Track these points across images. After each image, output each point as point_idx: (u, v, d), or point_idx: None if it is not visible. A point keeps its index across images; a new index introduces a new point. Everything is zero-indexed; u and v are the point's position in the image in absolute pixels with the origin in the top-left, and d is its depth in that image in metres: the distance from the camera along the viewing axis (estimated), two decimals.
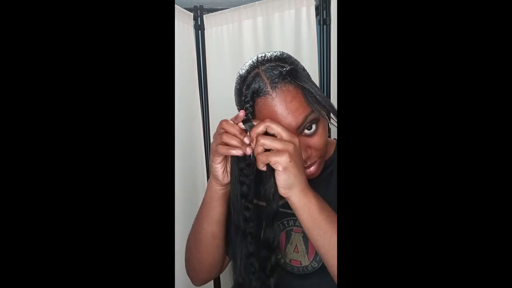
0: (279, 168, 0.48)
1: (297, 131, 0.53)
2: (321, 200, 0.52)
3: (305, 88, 0.52)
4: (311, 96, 0.52)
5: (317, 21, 1.53)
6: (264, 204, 0.55)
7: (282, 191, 0.50)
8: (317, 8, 1.53)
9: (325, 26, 1.52)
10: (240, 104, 0.57)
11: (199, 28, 1.57)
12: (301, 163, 0.51)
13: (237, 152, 0.51)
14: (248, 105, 0.53)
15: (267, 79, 0.53)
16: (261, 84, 0.53)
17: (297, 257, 0.64)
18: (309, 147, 0.55)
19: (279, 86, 0.52)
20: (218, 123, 0.55)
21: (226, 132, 0.52)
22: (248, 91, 0.53)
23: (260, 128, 0.50)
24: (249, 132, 0.52)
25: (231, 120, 0.54)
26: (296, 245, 0.64)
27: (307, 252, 0.63)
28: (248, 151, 0.51)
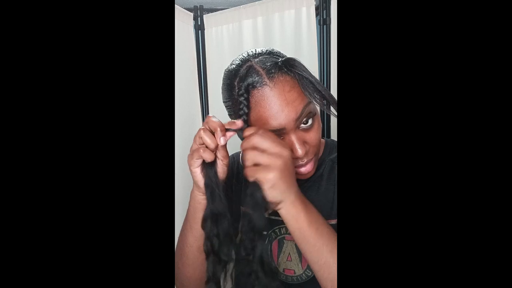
0: (266, 185, 0.46)
1: (296, 123, 0.51)
2: (311, 211, 0.50)
3: (303, 77, 0.50)
4: (310, 85, 0.51)
5: (317, 21, 1.53)
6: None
7: (270, 205, 0.48)
8: (317, 8, 1.53)
9: (325, 26, 1.52)
10: (232, 99, 0.54)
11: (199, 28, 1.57)
12: (292, 175, 0.48)
13: (208, 157, 0.50)
14: (243, 98, 0.50)
15: (263, 70, 0.51)
16: (256, 75, 0.51)
17: (290, 266, 0.62)
18: (306, 142, 0.53)
19: (276, 76, 0.50)
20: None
21: (207, 130, 0.50)
22: (243, 84, 0.51)
23: (249, 145, 0.47)
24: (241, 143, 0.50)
25: (227, 125, 0.51)
26: (289, 253, 0.62)
27: (301, 261, 0.62)
28: (220, 166, 0.51)
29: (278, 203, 0.48)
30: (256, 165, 0.47)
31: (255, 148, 0.47)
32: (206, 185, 0.52)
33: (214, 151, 0.51)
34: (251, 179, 0.48)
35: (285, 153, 0.47)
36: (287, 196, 0.48)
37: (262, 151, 0.47)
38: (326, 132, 1.58)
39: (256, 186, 0.47)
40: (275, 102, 0.50)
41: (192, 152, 0.51)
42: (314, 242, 0.48)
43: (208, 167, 0.52)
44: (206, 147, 0.50)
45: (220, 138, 0.49)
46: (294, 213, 0.48)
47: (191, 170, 0.52)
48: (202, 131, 0.50)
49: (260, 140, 0.47)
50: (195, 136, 0.52)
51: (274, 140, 0.47)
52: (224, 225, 0.54)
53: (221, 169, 0.53)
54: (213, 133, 0.50)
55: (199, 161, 0.51)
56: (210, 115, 0.52)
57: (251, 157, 0.47)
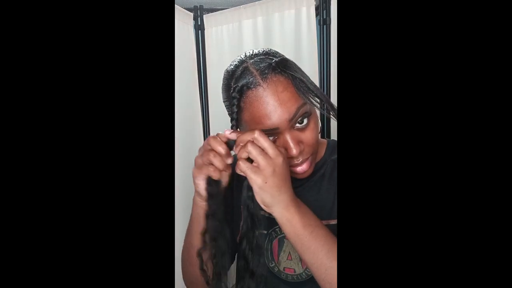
0: (254, 187, 0.48)
1: (289, 123, 0.51)
2: (306, 214, 0.51)
3: (296, 78, 0.51)
4: (303, 86, 0.51)
5: (317, 21, 1.53)
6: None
7: (262, 206, 0.50)
8: (317, 8, 1.53)
9: (325, 26, 1.52)
10: (229, 99, 0.55)
11: (199, 28, 1.57)
12: (285, 180, 0.49)
13: (215, 175, 0.52)
14: (235, 99, 0.51)
15: (256, 71, 0.52)
16: (250, 76, 0.51)
17: (290, 264, 0.63)
18: (301, 141, 0.54)
19: (269, 77, 0.51)
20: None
21: (213, 150, 0.52)
22: (237, 84, 0.52)
23: (247, 137, 0.49)
24: (235, 141, 0.51)
25: (218, 136, 0.53)
26: (290, 252, 0.63)
27: (301, 260, 0.62)
28: (224, 176, 0.52)
29: (268, 207, 0.50)
30: (249, 160, 0.49)
31: (254, 143, 0.48)
32: (209, 195, 0.54)
33: (222, 170, 0.53)
34: (240, 172, 0.49)
35: (279, 159, 0.48)
36: (278, 200, 0.49)
37: (261, 149, 0.48)
38: (326, 132, 1.58)
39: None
40: (268, 103, 0.50)
41: (201, 167, 0.53)
42: (309, 245, 0.49)
43: (212, 181, 0.54)
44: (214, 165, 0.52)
45: (228, 159, 0.52)
46: (288, 216, 0.50)
47: (195, 182, 0.55)
48: (211, 153, 0.52)
49: (260, 137, 0.48)
50: (202, 151, 0.54)
51: (272, 143, 0.49)
52: (221, 242, 0.56)
53: (224, 179, 0.55)
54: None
55: (205, 176, 0.53)
56: (212, 135, 0.54)
57: (249, 151, 0.48)
